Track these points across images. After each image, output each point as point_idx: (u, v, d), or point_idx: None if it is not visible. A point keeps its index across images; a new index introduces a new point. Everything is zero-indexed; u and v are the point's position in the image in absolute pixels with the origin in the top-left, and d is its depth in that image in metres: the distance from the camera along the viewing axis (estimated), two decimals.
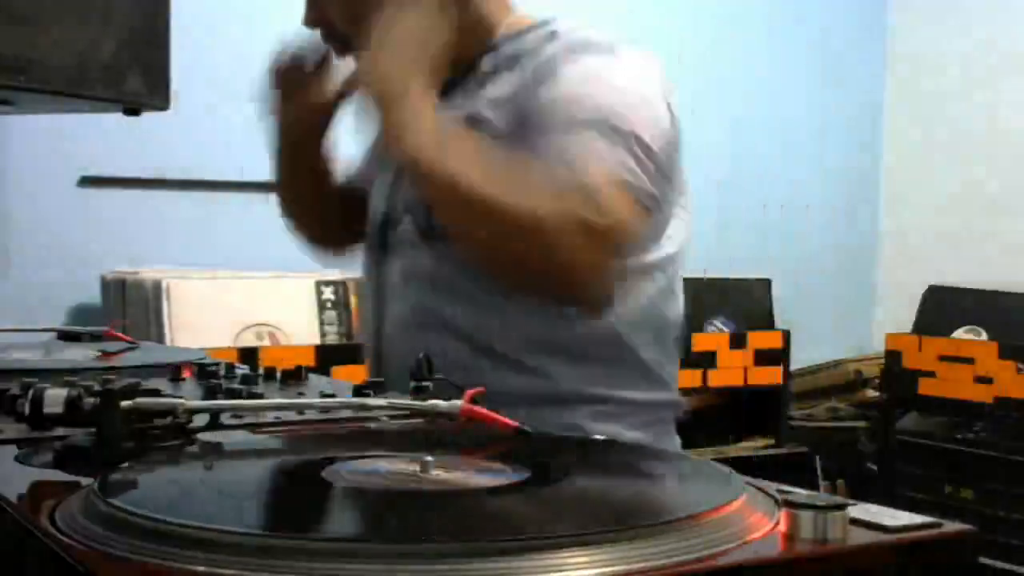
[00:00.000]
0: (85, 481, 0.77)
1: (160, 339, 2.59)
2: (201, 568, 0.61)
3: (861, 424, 3.84)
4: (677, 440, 1.57)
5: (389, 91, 1.32)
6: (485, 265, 1.37)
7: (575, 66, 1.38)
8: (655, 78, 1.45)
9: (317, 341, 2.76)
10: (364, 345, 1.64)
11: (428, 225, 1.44)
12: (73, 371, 1.33)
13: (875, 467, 3.75)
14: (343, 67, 1.59)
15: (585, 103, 1.34)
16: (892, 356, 3.67)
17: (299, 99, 1.61)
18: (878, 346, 3.90)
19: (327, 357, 2.62)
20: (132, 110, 1.95)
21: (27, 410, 0.95)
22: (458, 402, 0.94)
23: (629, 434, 1.46)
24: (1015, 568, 3.16)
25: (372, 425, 1.05)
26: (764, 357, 3.52)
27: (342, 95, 1.60)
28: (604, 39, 1.43)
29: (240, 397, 1.11)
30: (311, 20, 1.54)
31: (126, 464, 0.82)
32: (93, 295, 2.84)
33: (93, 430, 0.88)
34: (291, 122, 1.65)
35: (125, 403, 0.89)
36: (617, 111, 1.34)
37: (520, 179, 1.27)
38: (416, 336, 1.44)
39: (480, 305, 1.42)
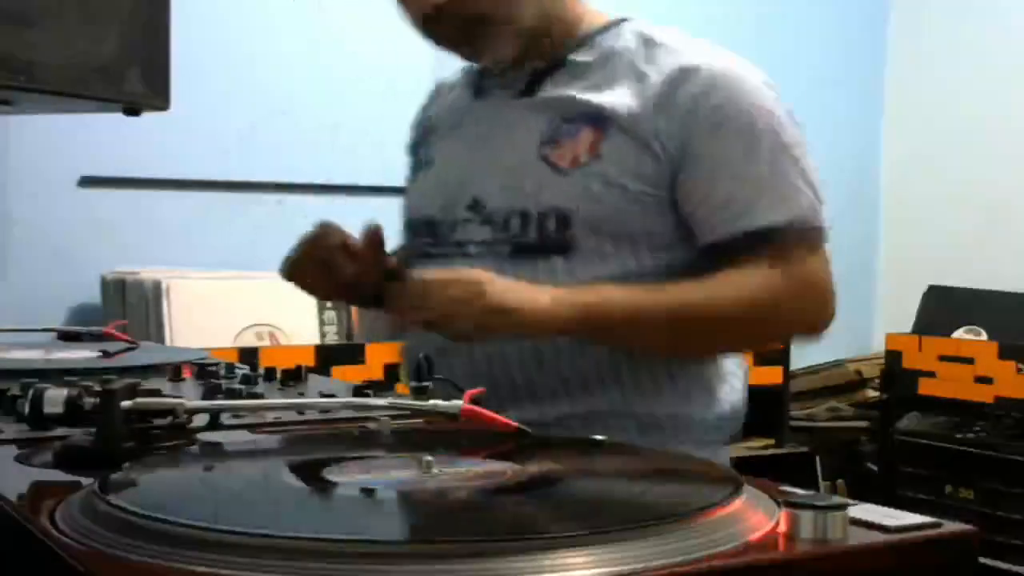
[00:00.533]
0: (85, 481, 0.77)
1: (160, 339, 2.59)
2: (201, 568, 0.61)
3: (861, 424, 3.84)
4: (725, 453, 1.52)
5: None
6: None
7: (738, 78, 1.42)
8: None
9: (317, 341, 2.76)
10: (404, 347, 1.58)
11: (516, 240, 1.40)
12: (73, 371, 1.34)
13: (875, 467, 3.75)
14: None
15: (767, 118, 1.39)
16: (892, 356, 3.66)
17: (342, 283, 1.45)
18: (878, 346, 3.90)
19: (327, 357, 2.62)
20: (132, 110, 1.95)
21: (27, 410, 0.95)
22: (458, 402, 0.94)
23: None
24: (1015, 568, 3.15)
25: (372, 425, 1.05)
26: (764, 357, 3.51)
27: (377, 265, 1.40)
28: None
29: (240, 397, 1.11)
30: (424, 11, 1.43)
31: (126, 464, 0.82)
32: (93, 295, 2.84)
33: (93, 430, 0.88)
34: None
35: (125, 403, 0.89)
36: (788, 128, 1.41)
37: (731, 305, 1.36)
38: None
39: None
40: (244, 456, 0.91)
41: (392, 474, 0.80)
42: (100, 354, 1.59)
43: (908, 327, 3.77)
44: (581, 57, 1.46)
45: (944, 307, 3.75)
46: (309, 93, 3.17)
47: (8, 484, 0.80)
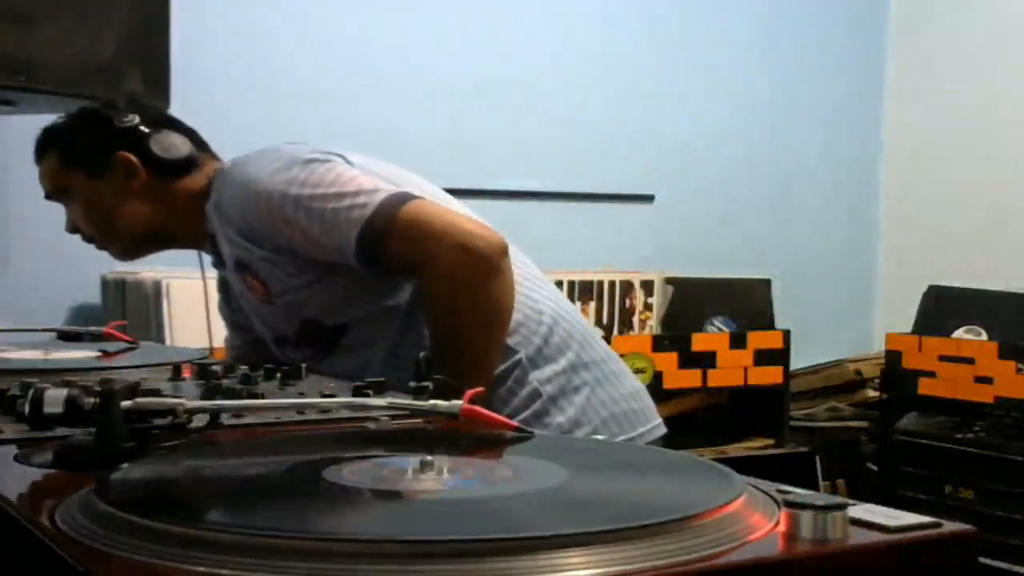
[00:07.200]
0: (85, 481, 0.77)
1: (160, 339, 2.59)
2: (201, 568, 0.61)
3: (861, 424, 3.84)
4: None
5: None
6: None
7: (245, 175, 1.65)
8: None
9: None
10: None
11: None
12: (73, 371, 1.33)
13: (875, 467, 3.75)
14: None
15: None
16: (892, 356, 3.66)
17: None
18: (878, 346, 3.90)
19: None
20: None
21: (27, 410, 0.95)
22: (458, 402, 0.94)
23: None
24: (1015, 568, 3.15)
25: (372, 425, 1.05)
26: (764, 357, 3.52)
27: None
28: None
29: (240, 397, 1.11)
30: (68, 227, 1.82)
31: (126, 464, 0.82)
32: (93, 295, 2.84)
33: (93, 430, 0.88)
34: None
35: (125, 403, 0.89)
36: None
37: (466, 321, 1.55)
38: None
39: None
40: (244, 456, 0.91)
41: (391, 474, 0.80)
42: (100, 354, 1.59)
43: (908, 327, 3.77)
44: (211, 228, 1.72)
45: (944, 307, 3.75)
46: (327, 92, 3.18)
47: (8, 484, 0.80)
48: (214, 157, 1.78)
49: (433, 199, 1.61)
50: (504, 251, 1.55)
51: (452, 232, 1.53)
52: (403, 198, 1.55)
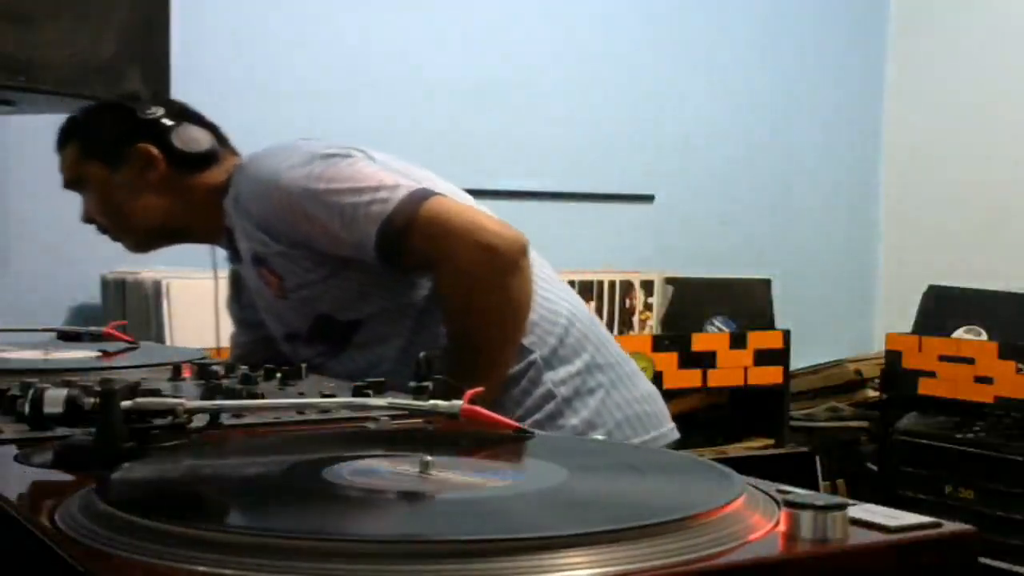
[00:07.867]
0: (85, 481, 0.77)
1: (160, 339, 2.59)
2: (201, 568, 0.61)
3: (861, 424, 3.84)
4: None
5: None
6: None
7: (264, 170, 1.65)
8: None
9: None
10: None
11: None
12: (73, 371, 1.33)
13: (875, 467, 3.75)
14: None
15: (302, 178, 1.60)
16: (892, 356, 3.66)
17: None
18: (878, 346, 3.90)
19: None
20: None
21: (27, 410, 0.95)
22: (458, 402, 0.94)
23: None
24: (1015, 568, 3.15)
25: (372, 425, 1.05)
26: (764, 357, 3.52)
27: None
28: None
29: (240, 397, 1.11)
30: (84, 217, 1.81)
31: (126, 464, 0.82)
32: (93, 295, 2.84)
33: (93, 430, 0.88)
34: None
35: (125, 403, 0.89)
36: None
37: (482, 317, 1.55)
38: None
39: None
40: (244, 456, 0.91)
41: (391, 474, 0.80)
42: (100, 354, 1.59)
43: (908, 327, 3.77)
44: (229, 221, 1.71)
45: (944, 307, 3.75)
46: (327, 94, 3.18)
47: (8, 484, 0.80)
48: (234, 152, 1.78)
49: (453, 196, 1.61)
50: (524, 250, 1.55)
51: (472, 229, 1.52)
52: (424, 194, 1.54)
